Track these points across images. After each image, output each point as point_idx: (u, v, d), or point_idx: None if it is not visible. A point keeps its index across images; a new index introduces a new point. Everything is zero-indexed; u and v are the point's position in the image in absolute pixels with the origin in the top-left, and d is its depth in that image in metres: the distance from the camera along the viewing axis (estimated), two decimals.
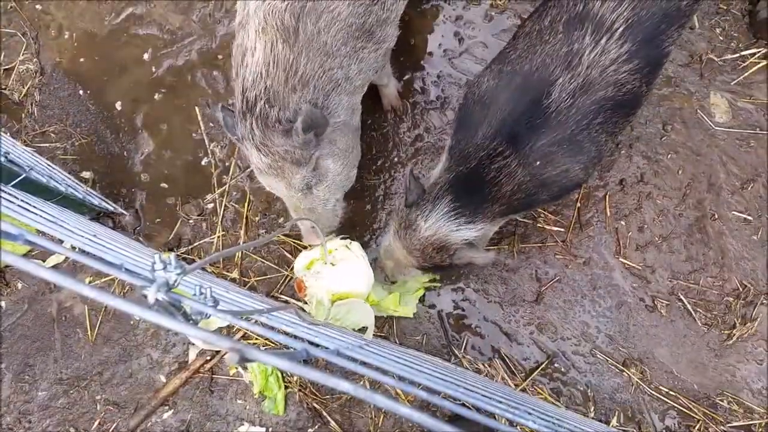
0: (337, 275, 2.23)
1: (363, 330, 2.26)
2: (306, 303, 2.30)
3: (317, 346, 1.08)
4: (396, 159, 2.72)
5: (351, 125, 2.17)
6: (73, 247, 1.60)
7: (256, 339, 2.50)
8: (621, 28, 1.81)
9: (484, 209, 1.98)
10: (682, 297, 2.55)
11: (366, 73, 2.11)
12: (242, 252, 2.64)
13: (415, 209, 2.03)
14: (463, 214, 1.97)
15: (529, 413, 1.24)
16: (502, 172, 1.89)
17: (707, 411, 2.45)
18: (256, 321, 1.26)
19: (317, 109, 1.88)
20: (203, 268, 2.58)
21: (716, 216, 2.61)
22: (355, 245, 2.33)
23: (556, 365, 2.52)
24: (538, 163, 1.88)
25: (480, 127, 1.93)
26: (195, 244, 2.67)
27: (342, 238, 2.35)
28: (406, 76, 2.79)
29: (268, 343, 2.50)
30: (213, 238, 2.67)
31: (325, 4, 1.87)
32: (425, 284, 2.53)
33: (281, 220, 2.67)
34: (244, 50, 1.92)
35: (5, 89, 2.83)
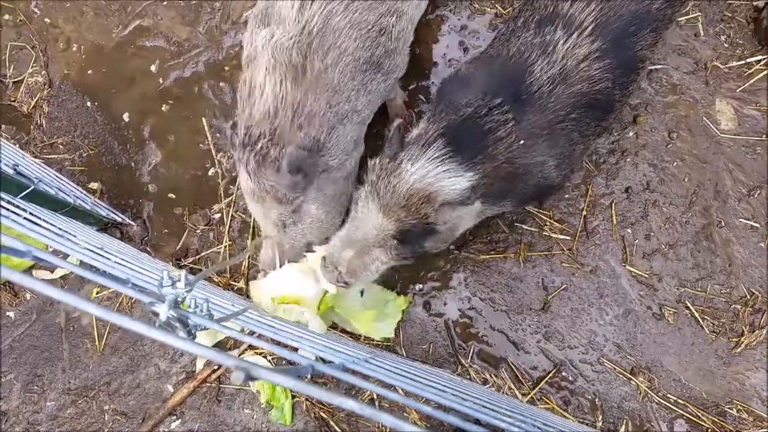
0: (286, 275, 2.12)
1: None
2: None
3: (323, 360, 1.09)
4: None
5: (346, 168, 2.11)
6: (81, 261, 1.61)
7: (262, 349, 2.51)
8: (591, 26, 1.85)
9: (480, 160, 1.79)
10: (689, 305, 2.53)
11: (374, 103, 2.09)
12: (249, 261, 2.65)
13: (399, 155, 1.79)
14: (455, 159, 1.76)
15: (539, 428, 1.23)
16: (501, 126, 1.80)
17: (716, 419, 2.44)
18: (259, 335, 1.26)
19: (304, 152, 1.84)
20: (209, 278, 2.59)
21: (723, 223, 2.60)
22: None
23: (563, 374, 2.51)
24: (522, 141, 1.83)
25: (464, 92, 1.87)
26: (202, 254, 2.69)
27: None
28: (412, 86, 2.80)
29: (274, 354, 2.51)
30: (220, 248, 2.68)
31: (332, 40, 1.86)
32: (405, 309, 2.47)
33: None
34: (251, 87, 1.91)
35: (14, 101, 2.86)
